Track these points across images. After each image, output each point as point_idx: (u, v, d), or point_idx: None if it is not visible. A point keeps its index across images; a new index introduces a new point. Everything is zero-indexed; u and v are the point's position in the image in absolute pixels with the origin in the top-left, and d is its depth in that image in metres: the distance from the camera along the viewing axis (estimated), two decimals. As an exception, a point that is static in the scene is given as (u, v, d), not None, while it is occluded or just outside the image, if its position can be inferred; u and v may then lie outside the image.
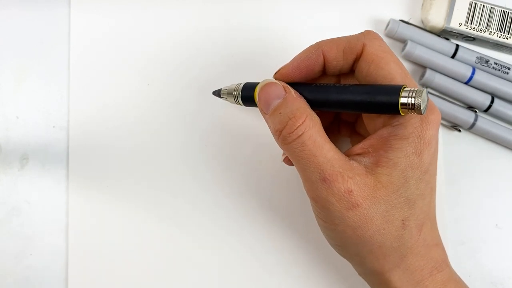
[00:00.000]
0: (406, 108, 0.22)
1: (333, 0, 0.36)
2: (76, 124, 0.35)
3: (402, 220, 0.24)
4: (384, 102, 0.23)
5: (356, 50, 0.25)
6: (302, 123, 0.23)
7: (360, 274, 0.28)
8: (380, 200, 0.23)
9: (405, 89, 0.22)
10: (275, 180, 0.34)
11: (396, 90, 0.22)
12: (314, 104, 0.25)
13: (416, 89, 0.22)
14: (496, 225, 0.35)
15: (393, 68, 0.24)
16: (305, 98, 0.25)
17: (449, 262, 0.27)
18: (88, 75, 0.35)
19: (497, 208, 0.35)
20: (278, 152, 0.32)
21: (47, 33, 0.35)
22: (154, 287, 0.33)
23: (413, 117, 0.23)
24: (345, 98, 0.24)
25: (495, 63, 0.34)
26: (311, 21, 0.36)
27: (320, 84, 0.26)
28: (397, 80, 0.24)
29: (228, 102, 0.31)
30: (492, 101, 0.34)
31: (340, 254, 0.27)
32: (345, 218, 0.23)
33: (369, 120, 0.27)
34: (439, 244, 0.26)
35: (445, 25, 0.34)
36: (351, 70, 0.26)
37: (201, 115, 0.35)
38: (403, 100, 0.22)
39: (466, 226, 0.34)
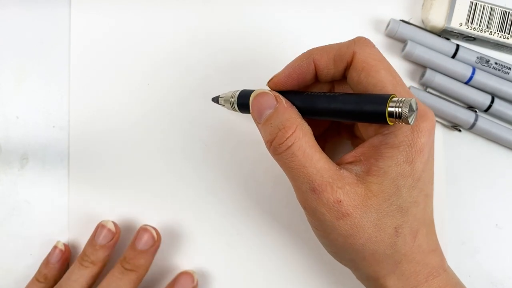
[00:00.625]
0: (394, 118, 0.22)
1: (334, 0, 0.36)
2: (76, 124, 0.35)
3: (395, 227, 0.24)
4: (372, 112, 0.22)
5: (346, 58, 0.25)
6: (292, 134, 0.24)
7: (358, 278, 0.28)
8: (371, 208, 0.23)
9: (393, 99, 0.22)
10: (275, 180, 0.34)
11: (384, 100, 0.22)
12: (306, 113, 0.25)
13: (404, 99, 0.22)
14: (496, 225, 0.35)
15: (384, 76, 0.24)
16: (296, 106, 0.25)
17: (447, 267, 0.26)
18: (88, 75, 0.35)
19: (497, 208, 0.35)
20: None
21: (47, 33, 0.35)
22: (154, 285, 0.33)
23: (403, 126, 0.23)
24: (335, 107, 0.24)
25: (496, 63, 0.34)
26: (311, 21, 0.36)
27: (311, 92, 0.26)
28: (388, 88, 0.24)
29: (226, 108, 0.31)
30: (492, 101, 0.34)
31: (337, 260, 0.27)
32: (336, 227, 0.23)
33: (363, 126, 0.27)
34: (436, 250, 0.26)
35: (445, 25, 0.34)
36: (344, 77, 0.26)
37: (201, 115, 0.35)
38: (390, 110, 0.22)
39: (466, 226, 0.34)
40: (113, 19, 0.36)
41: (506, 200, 0.35)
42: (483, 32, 0.34)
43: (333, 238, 0.24)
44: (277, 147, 0.24)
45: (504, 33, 0.34)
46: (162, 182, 0.34)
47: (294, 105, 0.25)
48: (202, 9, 0.36)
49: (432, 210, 0.26)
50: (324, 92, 0.25)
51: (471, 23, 0.34)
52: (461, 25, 0.34)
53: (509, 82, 0.34)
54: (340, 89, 0.28)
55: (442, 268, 0.26)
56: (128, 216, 0.34)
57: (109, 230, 0.32)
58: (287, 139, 0.24)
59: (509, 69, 0.34)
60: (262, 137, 0.26)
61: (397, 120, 0.22)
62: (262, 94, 0.26)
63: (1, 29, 0.35)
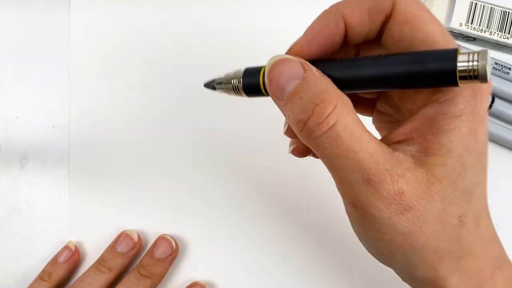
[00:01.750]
0: (466, 77, 0.17)
1: (333, 0, 0.36)
2: (76, 124, 0.34)
3: (459, 216, 0.20)
4: (438, 72, 0.18)
5: (384, 9, 0.20)
6: (334, 109, 0.19)
7: (405, 281, 0.23)
8: (435, 197, 0.19)
9: (461, 51, 0.17)
10: (275, 180, 0.34)
11: (451, 54, 0.18)
12: (342, 86, 0.20)
13: (476, 51, 0.17)
14: (496, 225, 0.34)
15: (433, 29, 0.19)
16: (330, 78, 0.20)
17: (508, 257, 0.23)
18: (88, 75, 0.35)
19: (497, 208, 0.35)
20: (279, 150, 0.32)
21: (47, 33, 0.35)
22: (154, 287, 0.33)
23: (464, 90, 0.19)
24: (385, 72, 0.19)
25: (496, 63, 0.34)
26: (311, 21, 0.36)
27: (345, 59, 0.21)
28: (440, 44, 0.19)
29: (226, 94, 0.25)
30: (492, 101, 0.34)
31: (383, 263, 0.23)
32: (396, 225, 0.19)
33: (403, 98, 0.22)
34: (495, 238, 0.22)
35: (445, 25, 0.34)
36: (377, 37, 0.21)
37: (201, 116, 0.35)
38: (461, 66, 0.17)
39: (466, 226, 0.34)
40: (113, 19, 0.36)
41: (506, 200, 0.35)
42: (483, 32, 0.35)
43: (389, 239, 0.20)
44: (314, 127, 0.19)
45: (504, 33, 0.35)
46: (162, 182, 0.34)
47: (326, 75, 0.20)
48: (203, 9, 0.36)
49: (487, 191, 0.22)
50: (363, 56, 0.21)
51: (471, 23, 0.34)
52: (461, 25, 0.34)
53: (509, 82, 0.34)
54: (368, 53, 0.23)
55: (504, 259, 0.22)
56: (127, 215, 0.34)
57: (132, 239, 0.32)
58: (328, 116, 0.18)
59: (509, 69, 0.34)
60: (287, 117, 0.20)
61: (469, 79, 0.17)
62: (283, 60, 0.20)
63: (1, 29, 0.35)
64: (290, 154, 0.25)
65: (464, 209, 0.20)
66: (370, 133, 0.19)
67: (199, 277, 0.33)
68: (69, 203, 0.34)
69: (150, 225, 0.33)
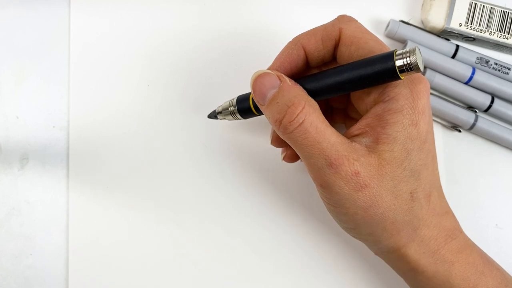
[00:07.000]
0: (404, 70, 0.22)
1: (333, 0, 0.36)
2: (76, 124, 0.35)
3: (410, 192, 0.24)
4: (381, 71, 0.22)
5: (333, 35, 0.25)
6: (302, 110, 0.23)
7: (376, 254, 0.28)
8: (387, 176, 0.23)
9: (397, 52, 0.22)
10: (275, 179, 0.34)
11: (389, 55, 0.22)
12: (312, 94, 0.25)
13: (408, 49, 0.22)
14: (496, 225, 0.35)
15: (373, 46, 0.24)
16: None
17: (462, 229, 0.27)
18: (88, 75, 0.35)
19: (497, 208, 0.35)
20: (278, 150, 0.32)
21: (47, 33, 0.35)
22: (155, 286, 0.33)
23: (403, 89, 0.24)
24: (342, 78, 0.24)
25: (495, 64, 0.34)
26: (310, 22, 0.36)
27: (313, 74, 0.26)
28: None
29: (227, 120, 0.30)
30: (492, 101, 0.34)
31: (354, 237, 0.27)
32: (356, 200, 0.23)
33: (359, 101, 0.27)
34: (449, 212, 0.27)
35: (445, 26, 0.34)
36: (333, 58, 0.27)
37: (200, 115, 0.35)
38: (398, 63, 0.22)
39: (466, 226, 0.34)
40: (112, 19, 0.36)
41: (506, 200, 0.35)
42: (483, 32, 0.35)
43: (353, 212, 0.24)
44: (287, 125, 0.24)
45: (504, 33, 0.35)
46: (162, 182, 0.34)
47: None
48: (202, 8, 0.36)
49: (438, 173, 0.27)
50: (324, 70, 0.25)
51: (471, 24, 0.34)
52: (460, 25, 0.34)
53: (509, 82, 0.34)
54: None
55: (458, 230, 0.26)
56: (127, 215, 0.34)
57: None
58: (297, 115, 0.23)
59: (509, 69, 0.34)
60: (268, 118, 0.25)
61: (407, 72, 0.22)
62: (263, 74, 0.25)
63: (1, 29, 0.35)
64: (283, 161, 0.30)
65: (414, 186, 0.24)
66: (332, 128, 0.24)
67: (190, 264, 0.33)
68: (69, 203, 0.34)
69: (150, 224, 0.33)
